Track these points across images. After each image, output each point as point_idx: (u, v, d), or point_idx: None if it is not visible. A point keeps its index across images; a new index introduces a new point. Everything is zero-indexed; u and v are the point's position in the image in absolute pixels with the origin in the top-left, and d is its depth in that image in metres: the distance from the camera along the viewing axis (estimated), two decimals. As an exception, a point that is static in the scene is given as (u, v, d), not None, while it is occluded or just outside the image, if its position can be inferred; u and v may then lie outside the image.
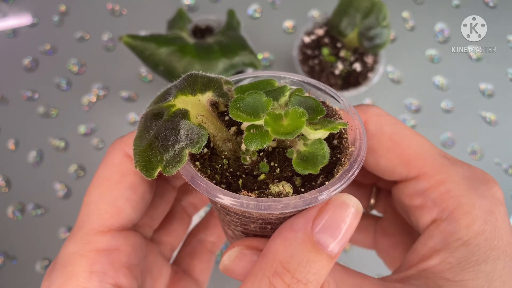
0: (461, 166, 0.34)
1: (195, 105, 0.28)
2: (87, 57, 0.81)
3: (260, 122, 0.26)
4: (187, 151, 0.26)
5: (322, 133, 0.27)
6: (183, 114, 0.27)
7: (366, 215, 0.48)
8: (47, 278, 0.32)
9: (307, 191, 0.27)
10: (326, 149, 0.26)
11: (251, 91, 0.27)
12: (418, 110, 0.79)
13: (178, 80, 0.29)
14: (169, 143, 0.26)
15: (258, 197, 0.26)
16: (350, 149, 0.28)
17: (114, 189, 0.32)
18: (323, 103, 0.31)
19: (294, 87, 0.31)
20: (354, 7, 0.67)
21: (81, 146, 0.75)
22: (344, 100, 0.31)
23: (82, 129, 0.76)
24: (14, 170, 0.73)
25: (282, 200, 0.25)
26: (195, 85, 0.28)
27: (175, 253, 0.44)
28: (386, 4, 0.67)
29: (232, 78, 0.32)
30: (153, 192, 0.36)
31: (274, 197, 0.26)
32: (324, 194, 0.26)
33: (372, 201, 0.46)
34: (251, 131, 0.26)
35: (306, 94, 0.31)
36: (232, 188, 0.28)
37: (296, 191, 0.27)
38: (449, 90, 0.81)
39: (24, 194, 0.72)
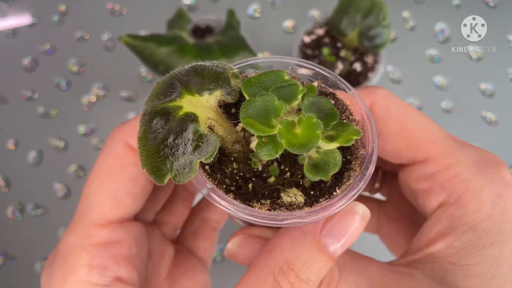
0: (470, 149, 0.33)
1: (204, 107, 0.27)
2: (86, 57, 0.81)
3: (273, 131, 0.25)
4: (197, 161, 0.25)
5: (335, 145, 0.27)
6: (192, 120, 0.26)
7: (370, 199, 0.47)
8: (47, 269, 0.32)
9: (317, 193, 0.27)
10: (339, 157, 0.26)
11: (262, 93, 0.26)
12: (418, 110, 0.79)
13: (181, 71, 0.28)
14: (179, 152, 0.25)
15: (271, 207, 0.26)
16: (360, 152, 0.28)
17: (115, 181, 0.32)
18: (333, 95, 0.31)
19: (304, 80, 0.31)
20: (354, 7, 0.67)
21: (81, 146, 0.75)
22: (358, 100, 0.30)
23: (82, 129, 0.76)
24: (14, 170, 0.73)
25: (295, 214, 0.26)
26: (202, 83, 0.27)
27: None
28: (386, 4, 0.67)
29: (242, 64, 0.31)
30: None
31: (287, 208, 0.26)
32: (334, 207, 0.26)
33: (377, 184, 0.45)
34: (263, 139, 0.26)
35: (315, 84, 0.31)
36: (242, 191, 0.28)
37: (306, 193, 0.28)
38: (449, 90, 0.80)
39: (23, 194, 0.72)
